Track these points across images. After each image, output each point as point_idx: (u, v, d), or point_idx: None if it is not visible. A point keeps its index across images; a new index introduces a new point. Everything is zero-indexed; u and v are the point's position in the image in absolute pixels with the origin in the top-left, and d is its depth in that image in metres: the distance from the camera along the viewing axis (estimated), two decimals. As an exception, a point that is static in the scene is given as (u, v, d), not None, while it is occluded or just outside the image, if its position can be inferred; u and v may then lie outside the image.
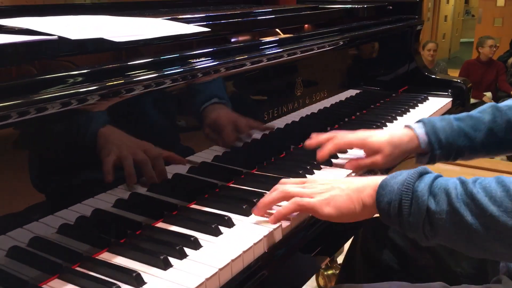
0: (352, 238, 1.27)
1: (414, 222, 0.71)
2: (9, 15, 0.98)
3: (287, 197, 0.83)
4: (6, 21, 0.88)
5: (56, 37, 0.72)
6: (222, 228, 0.81)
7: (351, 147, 1.10)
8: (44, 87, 0.66)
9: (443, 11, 9.29)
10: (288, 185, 0.85)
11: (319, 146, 1.07)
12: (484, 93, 5.02)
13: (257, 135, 1.12)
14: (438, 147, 1.02)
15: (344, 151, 1.14)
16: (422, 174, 0.74)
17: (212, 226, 0.80)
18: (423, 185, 0.71)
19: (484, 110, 1.04)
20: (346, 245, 1.31)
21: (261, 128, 1.11)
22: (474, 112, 1.05)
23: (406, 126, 1.07)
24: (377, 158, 1.03)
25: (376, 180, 0.78)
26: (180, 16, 1.07)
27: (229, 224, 0.82)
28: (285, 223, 0.83)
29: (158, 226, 0.83)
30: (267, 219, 0.83)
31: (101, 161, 0.78)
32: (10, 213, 0.68)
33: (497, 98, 5.03)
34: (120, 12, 1.22)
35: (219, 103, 0.99)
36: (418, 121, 1.07)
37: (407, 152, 1.05)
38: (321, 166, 1.07)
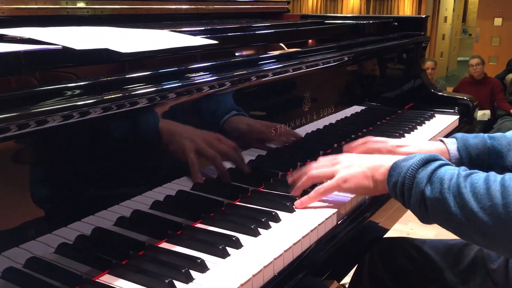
0: (358, 263, 1.23)
1: (413, 203, 0.81)
2: (10, 25, 0.96)
3: (314, 181, 0.94)
4: (8, 30, 0.85)
5: (60, 47, 0.68)
6: (231, 249, 0.77)
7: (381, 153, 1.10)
8: (43, 99, 0.64)
9: (441, 30, 9.36)
10: (313, 169, 0.95)
11: None
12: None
13: (262, 151, 1.08)
14: (468, 163, 1.02)
15: None
16: (428, 161, 0.82)
17: (233, 238, 0.76)
18: (424, 173, 0.80)
19: None
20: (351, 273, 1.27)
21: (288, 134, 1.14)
22: (509, 133, 1.06)
23: (440, 140, 1.08)
24: None
25: (391, 160, 0.87)
26: (185, 29, 1.04)
27: (238, 245, 0.78)
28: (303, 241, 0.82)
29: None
30: (275, 240, 0.80)
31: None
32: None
33: (496, 117, 5.01)
34: (124, 24, 1.19)
35: (239, 115, 1.01)
36: (452, 137, 1.08)
37: None
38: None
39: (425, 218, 0.81)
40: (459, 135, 1.07)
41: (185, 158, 0.89)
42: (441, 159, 0.83)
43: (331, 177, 0.92)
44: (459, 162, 1.03)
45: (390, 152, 1.07)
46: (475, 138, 1.04)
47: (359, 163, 0.91)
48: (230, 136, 0.99)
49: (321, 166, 0.96)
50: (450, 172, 0.78)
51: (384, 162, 0.88)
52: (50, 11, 1.22)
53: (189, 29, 1.06)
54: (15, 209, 0.67)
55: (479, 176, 0.76)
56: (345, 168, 0.91)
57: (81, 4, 1.26)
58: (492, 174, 0.76)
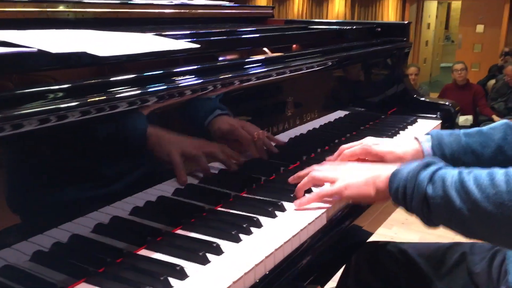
0: (344, 265, 1.22)
1: (415, 205, 0.81)
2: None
3: (315, 182, 0.96)
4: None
5: (35, 49, 0.67)
6: (210, 256, 0.75)
7: (356, 157, 1.09)
8: (22, 103, 0.62)
9: (424, 36, 9.48)
10: (316, 171, 0.97)
11: None
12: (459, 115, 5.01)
13: (246, 156, 1.08)
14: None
15: None
16: (428, 165, 0.83)
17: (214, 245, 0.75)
18: (425, 174, 0.81)
19: (495, 127, 1.04)
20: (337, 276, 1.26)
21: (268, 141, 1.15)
22: (485, 128, 1.05)
23: (415, 138, 1.08)
24: None
25: (391, 168, 0.88)
26: (168, 33, 1.03)
27: (218, 252, 0.77)
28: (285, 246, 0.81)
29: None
30: (256, 246, 0.79)
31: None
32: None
33: (478, 122, 5.09)
34: (105, 27, 1.18)
35: (222, 114, 1.01)
36: (427, 134, 1.07)
37: None
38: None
39: (429, 219, 0.81)
40: (434, 132, 1.06)
41: (170, 160, 0.88)
42: (441, 162, 0.84)
43: (332, 182, 0.93)
44: None
45: (365, 150, 1.07)
46: (450, 136, 1.04)
47: (361, 172, 0.92)
48: (214, 138, 0.99)
49: (323, 169, 0.97)
50: (451, 171, 0.79)
51: (385, 170, 0.89)
52: (30, 15, 1.20)
53: (173, 33, 1.05)
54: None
55: (482, 170, 0.77)
56: (347, 175, 0.92)
57: (61, 8, 1.24)
58: (495, 168, 0.76)
